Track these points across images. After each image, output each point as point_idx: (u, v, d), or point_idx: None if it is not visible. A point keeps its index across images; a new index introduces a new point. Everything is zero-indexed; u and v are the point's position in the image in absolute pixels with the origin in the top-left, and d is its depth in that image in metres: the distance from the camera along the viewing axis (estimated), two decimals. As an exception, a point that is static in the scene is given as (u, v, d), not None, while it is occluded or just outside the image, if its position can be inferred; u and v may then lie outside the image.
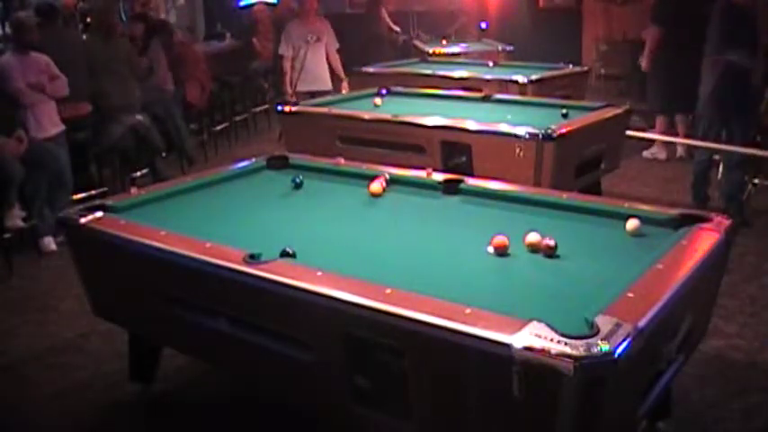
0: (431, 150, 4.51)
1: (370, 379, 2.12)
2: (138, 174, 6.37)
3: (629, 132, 5.22)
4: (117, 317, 3.15)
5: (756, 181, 5.31)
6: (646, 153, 6.96)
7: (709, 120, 5.20)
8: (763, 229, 4.94)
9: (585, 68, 7.60)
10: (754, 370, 3.35)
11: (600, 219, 2.83)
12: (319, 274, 2.22)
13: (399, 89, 6.11)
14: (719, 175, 5.51)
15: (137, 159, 6.32)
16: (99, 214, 2.93)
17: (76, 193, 5.36)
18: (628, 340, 1.76)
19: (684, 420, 2.91)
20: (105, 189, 5.60)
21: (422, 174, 3.41)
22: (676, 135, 6.82)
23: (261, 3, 9.91)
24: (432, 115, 4.68)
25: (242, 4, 10.91)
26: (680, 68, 6.32)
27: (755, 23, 5.03)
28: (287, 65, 6.84)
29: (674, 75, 6.42)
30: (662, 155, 6.95)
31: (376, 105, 5.46)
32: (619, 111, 4.88)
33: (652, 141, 6.98)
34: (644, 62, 6.75)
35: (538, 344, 1.74)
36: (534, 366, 1.73)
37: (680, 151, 6.95)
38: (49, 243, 5.00)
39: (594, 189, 4.77)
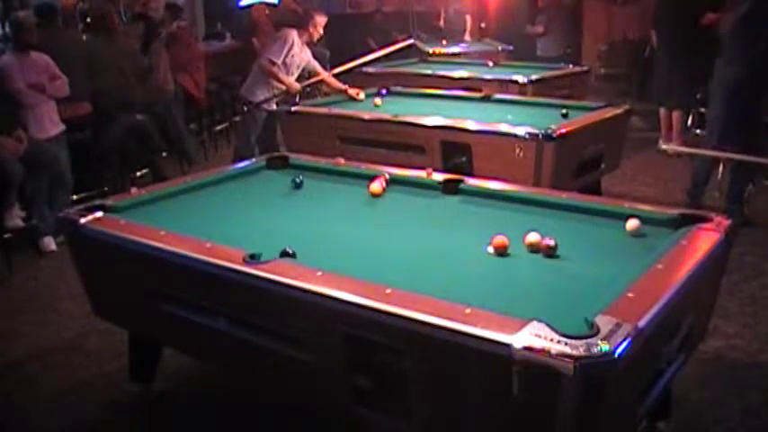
0: (431, 150, 4.51)
1: (370, 379, 2.12)
2: (138, 174, 6.37)
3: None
4: (117, 317, 3.15)
5: (756, 181, 5.31)
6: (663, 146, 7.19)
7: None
8: (763, 229, 4.94)
9: (585, 68, 7.61)
10: (754, 370, 3.35)
11: (600, 219, 2.83)
12: (319, 274, 2.22)
13: (399, 89, 6.12)
14: (719, 176, 5.50)
15: (137, 159, 6.32)
16: (99, 214, 2.93)
17: (76, 193, 5.37)
18: (628, 340, 1.76)
19: (684, 420, 2.91)
20: (105, 189, 5.60)
21: (422, 174, 3.41)
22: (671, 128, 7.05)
23: (261, 3, 9.90)
24: (432, 115, 4.68)
25: (242, 4, 10.89)
26: (672, 68, 6.74)
27: None
28: (278, 71, 5.70)
29: (666, 73, 6.85)
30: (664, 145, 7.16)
31: (376, 105, 5.46)
32: (619, 111, 4.89)
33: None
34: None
35: (538, 344, 1.74)
36: (534, 366, 1.73)
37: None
38: (49, 243, 5.00)
39: (594, 189, 4.78)
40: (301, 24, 5.84)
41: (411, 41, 7.28)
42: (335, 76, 6.12)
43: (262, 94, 5.84)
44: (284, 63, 5.72)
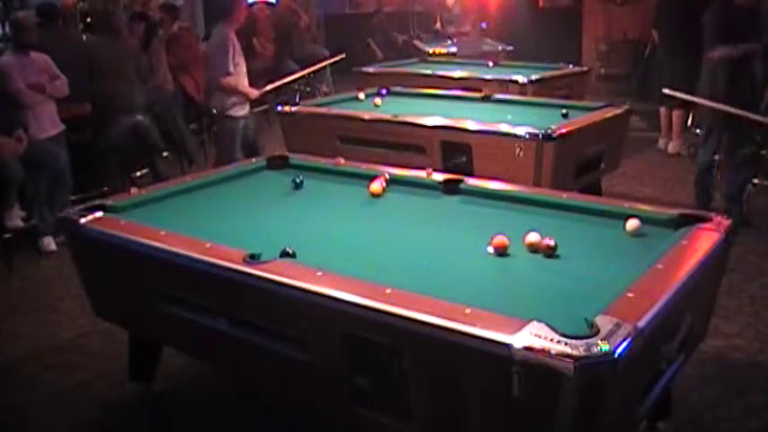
0: (431, 150, 4.51)
1: (370, 379, 2.12)
2: (138, 174, 6.37)
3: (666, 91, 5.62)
4: (117, 317, 3.15)
5: (756, 181, 5.31)
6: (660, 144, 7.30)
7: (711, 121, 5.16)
8: (763, 229, 4.94)
9: (585, 68, 7.62)
10: (754, 370, 3.35)
11: (600, 219, 2.83)
12: (319, 274, 2.22)
13: (399, 89, 6.12)
14: (719, 176, 5.50)
15: (137, 159, 6.32)
16: (99, 214, 2.93)
17: (76, 193, 5.36)
18: (628, 340, 1.76)
19: (684, 420, 2.91)
20: (105, 189, 5.59)
21: (422, 174, 3.41)
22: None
23: (261, 3, 9.91)
24: (432, 115, 4.68)
25: (242, 4, 10.90)
26: (671, 67, 6.73)
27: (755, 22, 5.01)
28: (235, 83, 5.43)
29: (667, 72, 6.80)
30: (661, 143, 7.27)
31: (376, 105, 5.46)
32: (619, 111, 4.89)
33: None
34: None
35: (538, 344, 1.74)
36: (534, 366, 1.73)
37: (671, 148, 7.05)
38: (49, 243, 5.00)
39: (594, 189, 4.78)
40: (227, 15, 5.46)
41: (342, 56, 7.46)
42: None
43: (231, 102, 5.47)
44: (236, 64, 5.39)
